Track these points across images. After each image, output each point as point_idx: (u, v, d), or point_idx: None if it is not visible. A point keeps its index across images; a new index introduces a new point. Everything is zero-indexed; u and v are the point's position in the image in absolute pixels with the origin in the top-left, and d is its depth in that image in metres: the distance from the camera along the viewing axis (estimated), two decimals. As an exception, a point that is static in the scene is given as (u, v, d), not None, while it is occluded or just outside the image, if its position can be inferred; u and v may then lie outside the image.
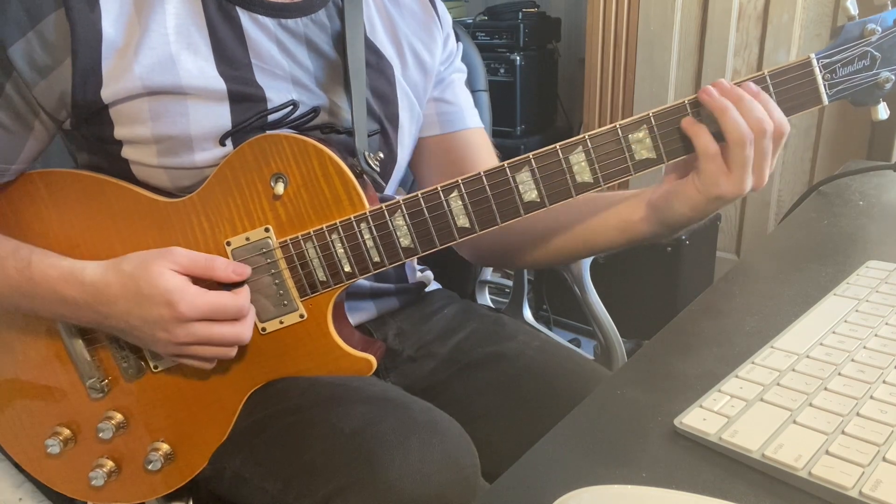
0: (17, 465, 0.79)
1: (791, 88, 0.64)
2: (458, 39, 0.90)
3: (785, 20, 2.03)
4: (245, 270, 0.68)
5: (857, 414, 0.44)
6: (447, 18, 0.87)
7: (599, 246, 0.78)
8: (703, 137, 0.62)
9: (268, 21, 0.72)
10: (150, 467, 0.73)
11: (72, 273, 0.66)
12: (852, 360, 0.50)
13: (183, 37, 0.68)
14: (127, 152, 0.70)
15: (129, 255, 0.66)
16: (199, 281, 0.66)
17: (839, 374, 0.48)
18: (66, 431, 0.75)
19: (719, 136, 0.62)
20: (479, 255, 0.92)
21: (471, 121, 0.88)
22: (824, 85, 0.63)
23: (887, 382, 0.47)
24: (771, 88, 0.63)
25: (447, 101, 0.87)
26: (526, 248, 0.83)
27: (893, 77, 0.63)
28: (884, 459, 0.39)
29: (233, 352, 0.68)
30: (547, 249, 0.81)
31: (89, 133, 0.70)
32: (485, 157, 0.87)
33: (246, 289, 0.68)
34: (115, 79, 0.66)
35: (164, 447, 0.74)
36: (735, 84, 0.62)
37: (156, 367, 0.72)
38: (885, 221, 0.83)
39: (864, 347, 0.52)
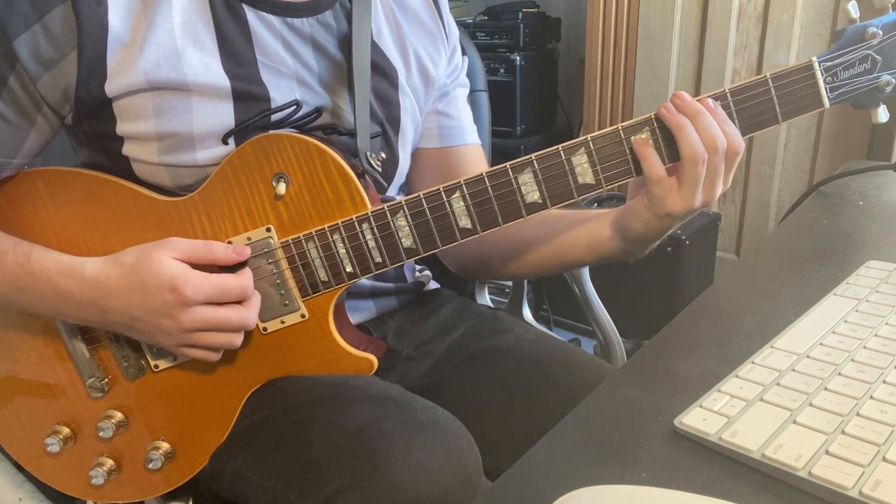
0: (17, 465, 0.79)
1: (793, 91, 0.64)
2: (464, 53, 0.90)
3: (785, 20, 2.03)
4: (244, 251, 0.68)
5: (857, 414, 0.44)
6: (454, 32, 0.88)
7: (571, 261, 0.80)
8: (650, 160, 0.64)
9: (274, 19, 0.72)
10: (150, 466, 0.73)
11: (72, 267, 0.66)
12: (852, 360, 0.50)
13: (189, 32, 0.68)
14: (128, 149, 0.70)
15: (129, 248, 0.66)
16: (200, 268, 0.66)
17: (839, 374, 0.49)
18: (66, 430, 0.75)
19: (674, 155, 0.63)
20: (461, 265, 0.93)
21: (470, 137, 0.90)
22: (826, 88, 0.64)
23: (887, 382, 0.47)
24: (773, 91, 0.64)
25: (449, 116, 0.88)
26: (503, 261, 0.85)
27: (894, 80, 0.64)
28: (884, 459, 0.39)
29: (239, 339, 0.68)
30: (522, 262, 0.84)
31: (91, 129, 0.70)
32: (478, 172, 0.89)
33: (248, 270, 0.68)
34: (119, 73, 0.66)
35: (165, 446, 0.74)
36: (697, 99, 0.63)
37: (156, 367, 0.73)
38: (885, 221, 0.83)
39: (864, 347, 0.52)
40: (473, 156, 0.90)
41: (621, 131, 0.65)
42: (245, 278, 0.67)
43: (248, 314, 0.67)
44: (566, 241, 0.78)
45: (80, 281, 0.65)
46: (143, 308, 0.64)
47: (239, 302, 0.66)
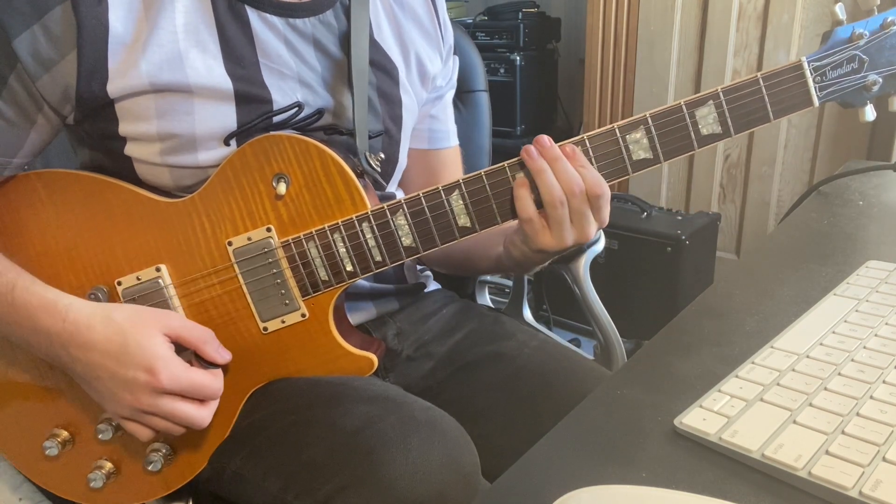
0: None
1: (783, 90, 0.65)
2: (454, 53, 0.91)
3: (785, 20, 2.03)
4: (228, 356, 0.69)
5: (857, 414, 0.44)
6: (450, 33, 0.88)
7: (482, 270, 0.93)
8: (520, 202, 0.66)
9: (277, 20, 0.71)
10: (149, 468, 0.73)
11: (55, 306, 0.64)
12: (852, 360, 0.50)
13: (192, 34, 0.68)
14: (130, 149, 0.70)
15: (123, 305, 0.65)
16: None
17: (839, 374, 0.49)
18: (65, 433, 0.74)
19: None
20: (439, 264, 0.97)
21: (453, 140, 0.94)
22: (815, 87, 0.65)
23: (887, 382, 0.47)
24: (764, 90, 0.64)
25: (439, 119, 0.91)
26: (459, 265, 0.94)
27: (880, 80, 0.65)
28: (884, 459, 0.39)
29: (180, 430, 0.67)
30: (447, 263, 0.95)
31: (93, 129, 0.70)
32: (455, 173, 0.93)
33: (220, 372, 0.68)
34: (121, 74, 0.66)
35: (164, 447, 0.74)
36: (558, 144, 0.65)
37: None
38: (885, 221, 0.83)
39: (864, 347, 0.52)
40: (454, 158, 0.94)
41: (617, 130, 0.65)
42: (219, 381, 0.66)
43: (206, 415, 0.66)
44: (486, 251, 0.83)
45: (61, 322, 0.64)
46: (110, 373, 0.63)
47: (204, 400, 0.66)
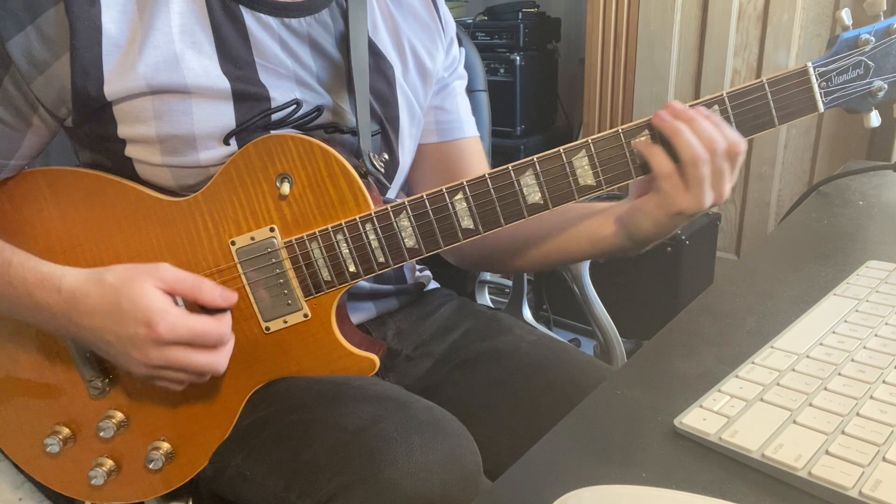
0: (16, 465, 0.79)
1: (789, 96, 0.65)
2: (460, 44, 0.90)
3: (785, 20, 2.03)
4: (232, 297, 0.67)
5: (857, 414, 0.44)
6: (451, 24, 0.88)
7: (573, 256, 0.81)
8: (657, 157, 0.64)
9: (271, 20, 0.72)
10: (150, 466, 0.73)
11: (50, 279, 0.64)
12: (852, 360, 0.50)
13: (187, 36, 0.68)
14: (130, 151, 0.70)
15: (115, 266, 0.65)
16: (190, 304, 0.65)
17: (839, 374, 0.49)
18: (66, 430, 0.75)
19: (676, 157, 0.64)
20: (465, 260, 0.93)
21: (468, 130, 0.90)
22: (820, 93, 0.65)
23: (887, 382, 0.47)
24: (769, 95, 0.64)
25: (446, 110, 0.88)
26: (505, 256, 0.86)
27: (886, 86, 0.65)
28: (884, 459, 0.39)
29: (206, 379, 0.67)
30: (525, 258, 0.84)
31: (92, 131, 0.70)
32: (477, 165, 0.89)
33: (228, 315, 0.67)
34: (118, 76, 0.66)
35: (165, 446, 0.74)
36: (689, 106, 0.64)
37: (158, 367, 0.73)
38: (885, 221, 0.83)
39: (864, 347, 0.52)
40: (472, 149, 0.90)
41: (621, 134, 0.65)
42: (224, 325, 0.66)
43: (219, 360, 0.65)
44: (568, 236, 0.78)
45: (56, 294, 0.64)
46: (115, 334, 0.63)
47: (213, 346, 0.65)
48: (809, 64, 0.64)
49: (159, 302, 0.62)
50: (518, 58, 2.51)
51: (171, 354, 0.63)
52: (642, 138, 0.65)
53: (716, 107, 0.65)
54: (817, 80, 0.64)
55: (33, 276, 0.65)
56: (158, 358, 0.63)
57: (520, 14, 2.54)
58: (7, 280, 0.66)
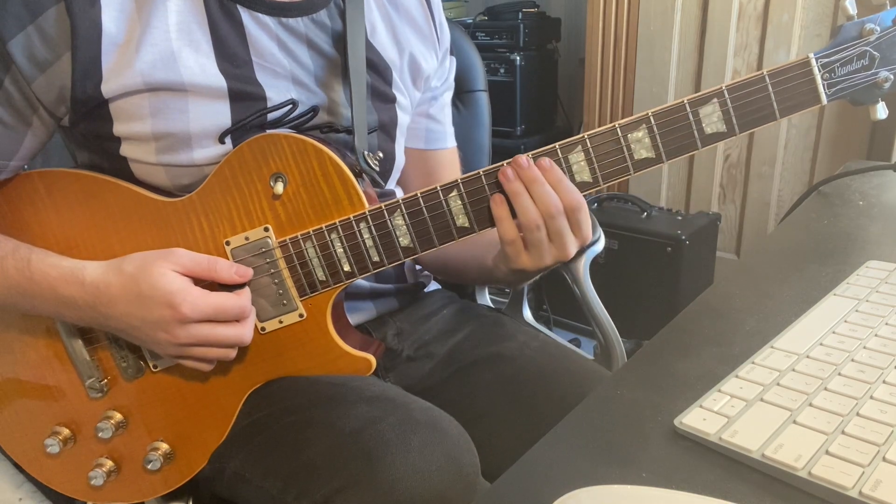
0: (16, 465, 0.79)
1: (790, 88, 0.63)
2: (451, 53, 0.91)
3: (785, 20, 2.03)
4: (247, 272, 0.68)
5: (857, 414, 0.44)
6: (447, 34, 0.88)
7: (477, 280, 0.96)
8: (503, 224, 0.66)
9: (269, 20, 0.72)
10: (149, 467, 0.73)
11: (72, 273, 0.66)
12: (852, 360, 0.50)
13: (184, 34, 0.68)
14: (125, 149, 0.70)
15: (131, 255, 0.66)
16: (200, 282, 0.65)
17: (839, 374, 0.48)
18: (66, 431, 0.75)
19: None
20: (431, 268, 0.97)
21: (450, 141, 0.93)
22: (823, 85, 0.63)
23: (887, 382, 0.47)
24: (770, 88, 0.63)
25: (436, 120, 0.91)
26: (457, 273, 0.93)
27: (892, 76, 0.63)
28: (884, 459, 0.39)
29: (233, 353, 0.69)
30: (447, 271, 0.93)
31: (87, 130, 0.70)
32: (452, 174, 0.91)
33: (247, 290, 0.68)
34: (115, 74, 0.66)
35: (164, 447, 0.74)
36: (533, 157, 0.64)
37: (155, 367, 0.72)
38: (885, 221, 0.83)
39: (864, 347, 0.52)
40: (451, 159, 0.94)
41: (618, 129, 0.65)
42: (244, 298, 0.67)
43: (244, 332, 0.67)
44: (477, 260, 0.82)
45: (80, 287, 0.65)
46: (141, 319, 0.64)
47: (236, 319, 0.67)
48: (811, 55, 0.63)
49: (178, 283, 0.64)
50: (518, 58, 2.51)
51: (197, 331, 0.65)
52: (497, 196, 0.65)
53: (580, 146, 0.65)
54: (820, 71, 0.63)
55: (55, 271, 0.66)
56: (186, 336, 0.64)
57: (520, 14, 2.54)
58: (28, 276, 0.66)
